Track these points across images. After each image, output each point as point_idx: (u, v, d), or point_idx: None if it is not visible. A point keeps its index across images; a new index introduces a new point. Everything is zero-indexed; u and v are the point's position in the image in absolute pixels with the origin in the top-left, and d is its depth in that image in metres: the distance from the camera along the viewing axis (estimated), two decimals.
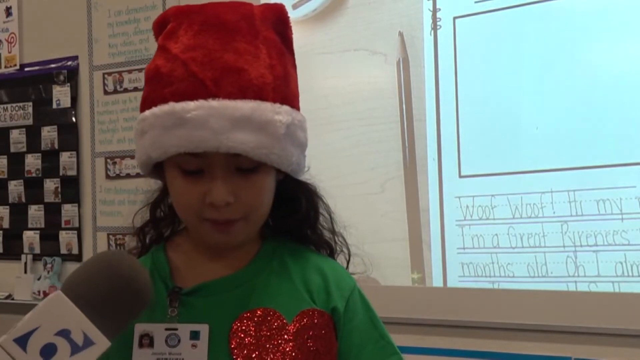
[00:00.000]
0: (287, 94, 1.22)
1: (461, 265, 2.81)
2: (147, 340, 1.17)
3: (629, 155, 2.54)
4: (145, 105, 1.21)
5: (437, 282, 2.86)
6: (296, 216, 1.34)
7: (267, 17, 1.24)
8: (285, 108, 1.19)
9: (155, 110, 1.17)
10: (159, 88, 1.18)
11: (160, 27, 1.27)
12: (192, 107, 1.13)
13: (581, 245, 2.60)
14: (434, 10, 2.88)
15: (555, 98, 2.66)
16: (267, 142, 1.16)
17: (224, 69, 1.15)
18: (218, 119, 1.12)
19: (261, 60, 1.18)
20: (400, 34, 2.95)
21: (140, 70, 3.44)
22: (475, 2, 2.81)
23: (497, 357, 2.72)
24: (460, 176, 2.83)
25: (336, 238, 1.39)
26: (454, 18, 2.86)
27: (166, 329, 1.19)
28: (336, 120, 3.01)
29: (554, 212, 2.65)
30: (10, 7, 3.86)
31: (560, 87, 2.65)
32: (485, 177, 2.79)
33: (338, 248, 1.40)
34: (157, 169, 1.26)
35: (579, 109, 2.62)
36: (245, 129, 1.14)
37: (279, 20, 1.26)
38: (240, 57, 1.17)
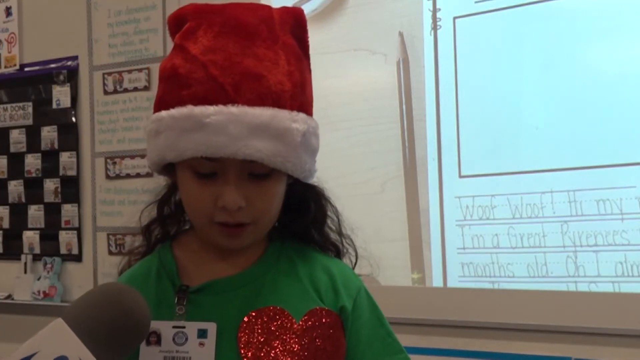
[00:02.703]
0: (303, 101, 1.22)
1: (461, 265, 2.81)
2: (155, 338, 1.18)
3: (629, 155, 2.54)
4: (161, 105, 1.20)
5: (437, 282, 2.86)
6: (304, 219, 1.34)
7: (285, 21, 1.24)
8: (302, 116, 1.20)
9: (173, 112, 1.17)
10: (177, 89, 1.18)
11: (177, 24, 1.27)
12: (211, 111, 1.13)
13: (581, 246, 2.60)
14: (434, 10, 2.89)
15: (555, 98, 2.66)
16: (284, 150, 1.17)
17: (244, 74, 1.15)
18: (237, 126, 1.13)
19: (280, 67, 1.19)
20: (400, 34, 2.95)
21: (140, 70, 3.44)
22: (475, 2, 2.81)
23: (497, 357, 2.72)
24: (460, 176, 2.84)
25: (343, 240, 1.40)
26: (454, 18, 2.86)
27: (174, 327, 1.19)
28: (336, 120, 3.00)
29: (554, 212, 2.65)
30: (10, 7, 3.86)
31: (561, 87, 2.66)
32: (485, 177, 2.79)
33: (344, 250, 1.41)
34: (167, 167, 1.26)
35: (579, 109, 2.62)
36: (262, 137, 1.14)
37: (298, 24, 1.27)
38: (259, 62, 1.17)
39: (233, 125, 1.13)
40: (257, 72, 1.16)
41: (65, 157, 3.68)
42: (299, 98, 1.21)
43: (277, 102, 1.17)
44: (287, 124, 1.16)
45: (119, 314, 1.06)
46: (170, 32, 1.29)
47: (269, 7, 1.27)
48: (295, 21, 1.26)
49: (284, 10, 1.27)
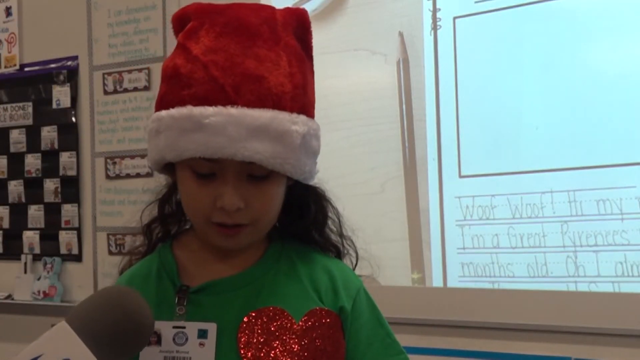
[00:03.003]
0: (304, 103, 1.22)
1: (461, 265, 2.81)
2: (155, 338, 1.18)
3: (629, 155, 2.54)
4: (162, 104, 1.20)
5: (437, 282, 2.86)
6: (305, 221, 1.34)
7: (288, 23, 1.24)
8: (302, 118, 1.20)
9: (173, 112, 1.17)
10: (178, 89, 1.18)
11: (180, 23, 1.27)
12: (210, 112, 1.13)
13: (581, 246, 2.60)
14: (434, 10, 2.89)
15: (556, 98, 2.66)
16: (283, 152, 1.16)
17: (244, 75, 1.15)
18: (236, 127, 1.13)
19: (281, 68, 1.18)
20: (400, 34, 2.95)
21: (140, 70, 3.44)
22: (475, 2, 2.81)
23: (497, 357, 2.72)
24: (460, 176, 2.84)
25: (344, 241, 1.40)
26: (454, 18, 2.86)
27: (174, 327, 1.19)
28: (336, 120, 3.00)
29: (554, 212, 2.65)
30: (10, 7, 3.86)
31: (561, 87, 2.66)
32: (485, 177, 2.79)
33: (345, 251, 1.40)
34: (167, 166, 1.26)
35: (579, 109, 2.62)
36: (261, 139, 1.14)
37: (301, 25, 1.27)
38: (260, 64, 1.17)
39: (232, 127, 1.13)
40: (257, 73, 1.16)
41: (65, 157, 3.68)
42: (300, 100, 1.21)
43: (278, 103, 1.16)
44: (287, 126, 1.16)
45: (122, 317, 1.07)
46: (174, 31, 1.29)
47: (272, 8, 1.26)
48: (299, 22, 1.26)
49: (288, 11, 1.27)
